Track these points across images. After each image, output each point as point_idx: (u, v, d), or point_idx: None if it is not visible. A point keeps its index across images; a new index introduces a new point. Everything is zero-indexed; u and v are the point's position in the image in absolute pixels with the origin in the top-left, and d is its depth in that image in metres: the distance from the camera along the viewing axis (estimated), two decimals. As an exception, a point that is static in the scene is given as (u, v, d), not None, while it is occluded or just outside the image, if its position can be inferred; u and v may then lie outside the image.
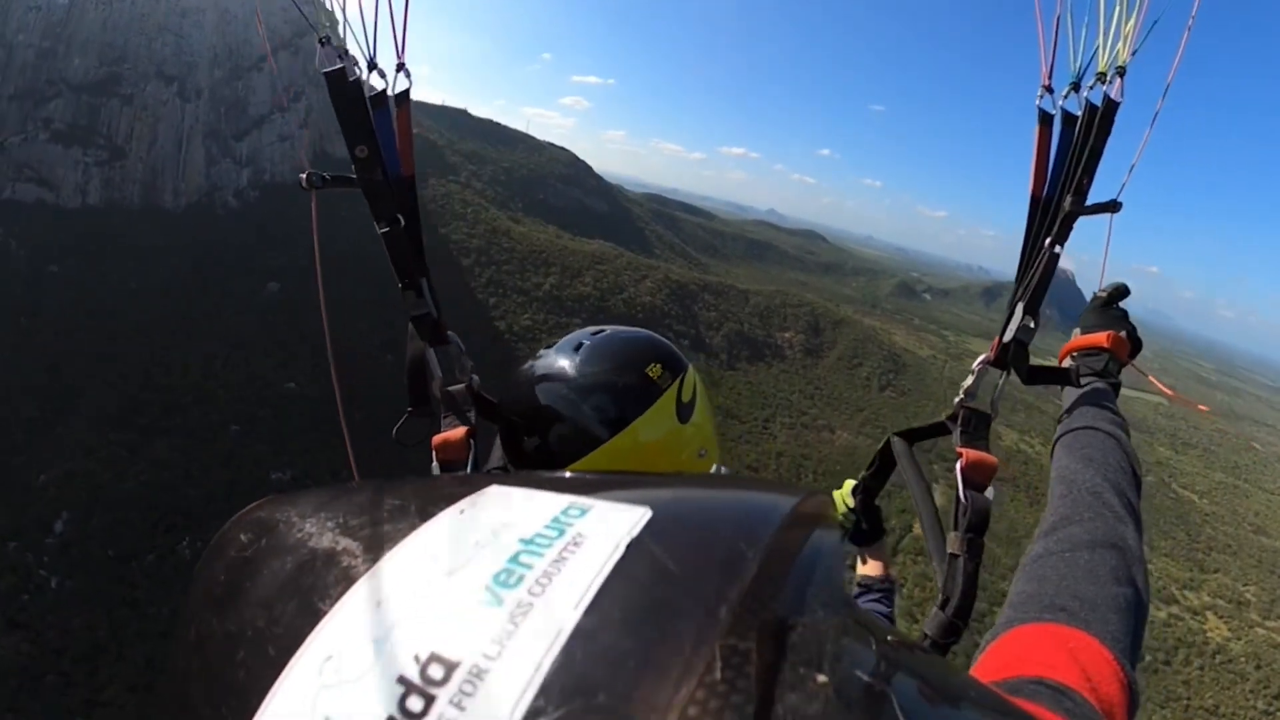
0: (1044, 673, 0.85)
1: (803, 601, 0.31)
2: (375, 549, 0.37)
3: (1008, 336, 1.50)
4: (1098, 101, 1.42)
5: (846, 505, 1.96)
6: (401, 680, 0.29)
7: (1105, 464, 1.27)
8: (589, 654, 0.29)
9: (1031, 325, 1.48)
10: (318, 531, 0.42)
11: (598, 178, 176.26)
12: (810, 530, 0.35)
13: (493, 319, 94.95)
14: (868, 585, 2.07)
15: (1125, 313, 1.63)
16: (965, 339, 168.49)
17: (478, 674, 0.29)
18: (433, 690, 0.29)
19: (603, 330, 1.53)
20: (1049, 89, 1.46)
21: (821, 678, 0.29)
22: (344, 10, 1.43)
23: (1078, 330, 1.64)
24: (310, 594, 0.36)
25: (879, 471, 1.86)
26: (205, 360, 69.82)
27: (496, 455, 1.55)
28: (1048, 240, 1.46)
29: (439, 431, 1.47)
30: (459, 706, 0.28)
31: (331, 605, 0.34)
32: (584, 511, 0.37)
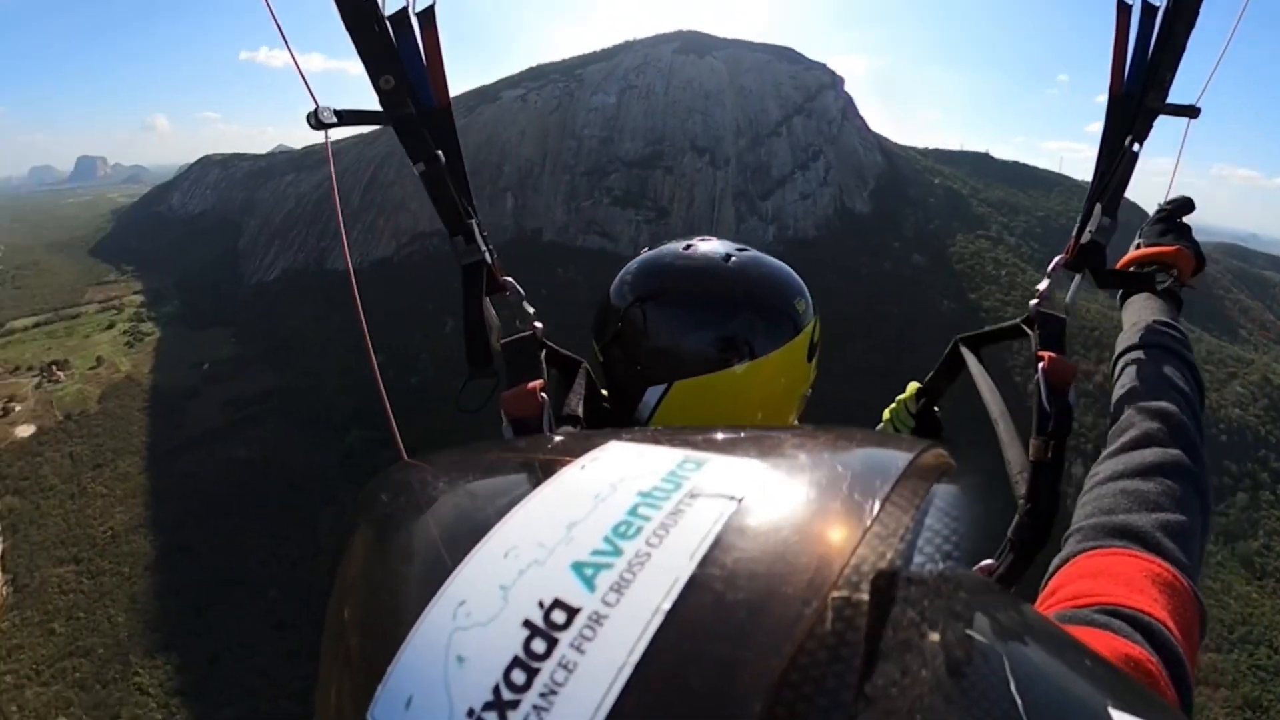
0: (1121, 601, 0.84)
1: (920, 557, 0.31)
2: (503, 503, 0.39)
3: (1085, 237, 1.47)
4: None
5: (908, 410, 1.92)
6: (527, 624, 0.31)
7: (1173, 385, 1.23)
8: (703, 603, 0.29)
9: (1109, 225, 1.45)
10: (450, 489, 0.46)
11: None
12: (930, 484, 0.35)
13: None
14: None
15: (1189, 228, 1.55)
16: None
17: (597, 620, 0.30)
18: (556, 634, 0.30)
19: (745, 249, 1.41)
20: None
21: (933, 635, 0.29)
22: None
23: (1139, 241, 1.56)
24: (445, 545, 0.38)
25: (944, 375, 1.78)
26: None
27: (574, 398, 1.40)
28: (1128, 139, 1.42)
29: (506, 389, 1.34)
30: (579, 649, 0.29)
31: (464, 555, 0.36)
32: (699, 465, 0.38)
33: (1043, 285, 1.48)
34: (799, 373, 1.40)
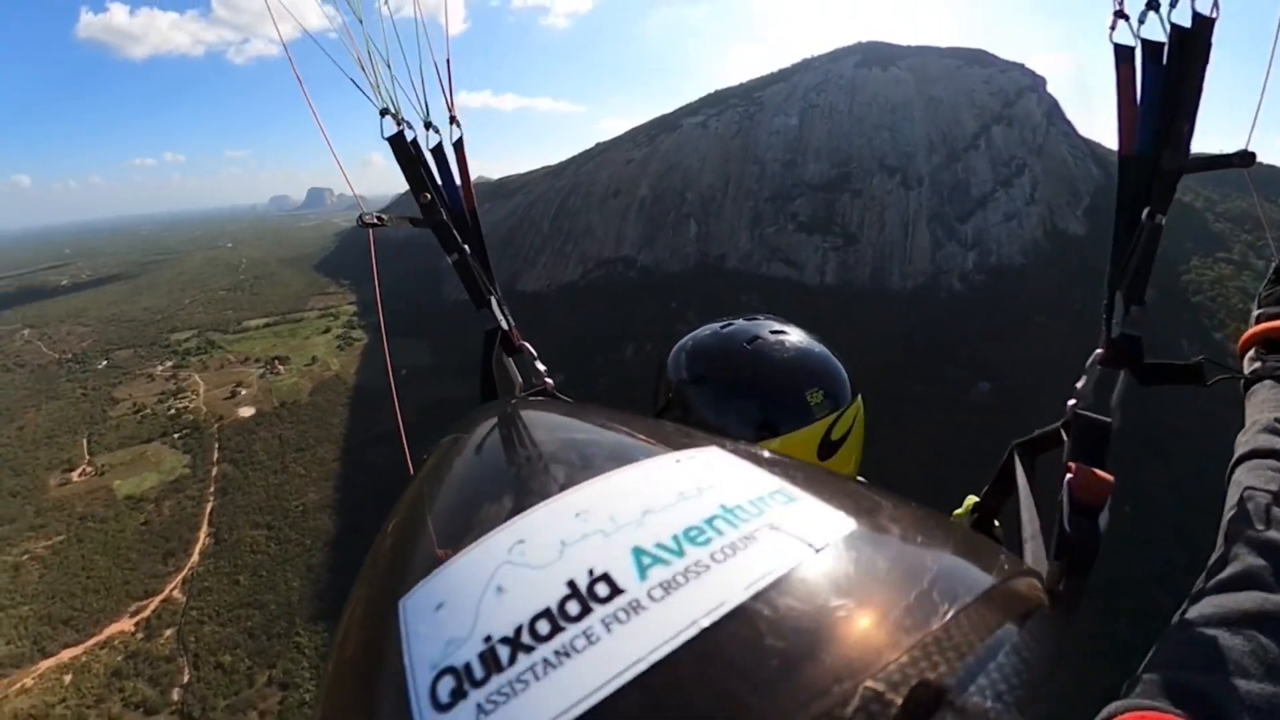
0: None
1: (974, 687, 0.28)
2: (593, 467, 0.41)
3: (1115, 331, 1.27)
4: (1185, 21, 1.15)
5: None
6: (570, 585, 0.32)
7: None
8: (739, 636, 0.29)
9: (1138, 313, 1.25)
10: (548, 438, 0.48)
11: None
12: (1011, 615, 0.33)
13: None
14: None
15: None
16: None
17: (635, 607, 0.31)
18: (592, 604, 0.31)
19: (783, 332, 1.45)
20: (1122, 14, 1.18)
21: None
22: (393, 77, 1.51)
23: (1256, 311, 1.33)
24: (527, 486, 0.40)
25: (1000, 488, 1.55)
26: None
27: None
28: (1146, 210, 1.18)
29: None
30: (608, 628, 0.30)
31: (540, 501, 0.38)
32: (790, 500, 0.38)
33: (1080, 383, 1.23)
34: None
